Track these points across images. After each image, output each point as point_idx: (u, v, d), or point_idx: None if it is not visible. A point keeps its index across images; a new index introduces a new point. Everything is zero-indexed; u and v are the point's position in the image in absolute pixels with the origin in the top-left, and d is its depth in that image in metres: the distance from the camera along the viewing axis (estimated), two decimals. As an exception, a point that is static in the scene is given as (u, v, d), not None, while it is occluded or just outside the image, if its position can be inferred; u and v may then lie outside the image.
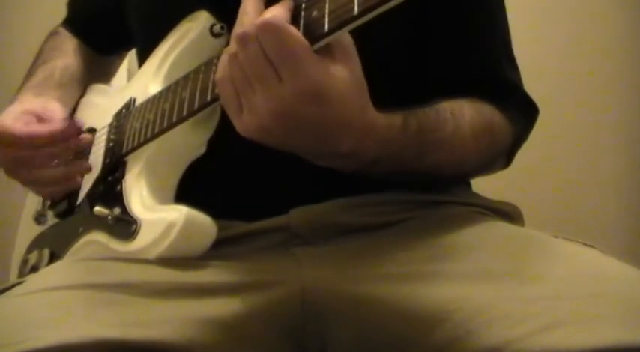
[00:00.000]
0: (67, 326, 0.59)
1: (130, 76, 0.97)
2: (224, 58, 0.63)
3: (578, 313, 0.56)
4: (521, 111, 0.82)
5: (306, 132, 0.61)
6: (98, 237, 0.77)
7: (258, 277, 0.68)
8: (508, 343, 0.56)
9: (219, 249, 0.71)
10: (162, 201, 0.75)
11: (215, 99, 0.70)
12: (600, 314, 0.55)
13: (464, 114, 0.73)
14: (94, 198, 0.82)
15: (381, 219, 0.73)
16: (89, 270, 0.70)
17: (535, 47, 1.65)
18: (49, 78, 0.97)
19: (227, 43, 0.75)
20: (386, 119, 0.66)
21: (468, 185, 0.86)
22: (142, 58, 0.88)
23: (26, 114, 0.86)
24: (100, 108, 0.93)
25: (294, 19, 0.60)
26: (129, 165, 0.80)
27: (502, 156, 0.83)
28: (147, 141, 0.77)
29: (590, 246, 0.67)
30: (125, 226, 0.73)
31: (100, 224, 0.77)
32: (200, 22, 0.79)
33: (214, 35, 0.78)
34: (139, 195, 0.75)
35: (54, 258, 0.86)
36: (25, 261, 0.91)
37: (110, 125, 0.86)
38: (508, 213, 0.80)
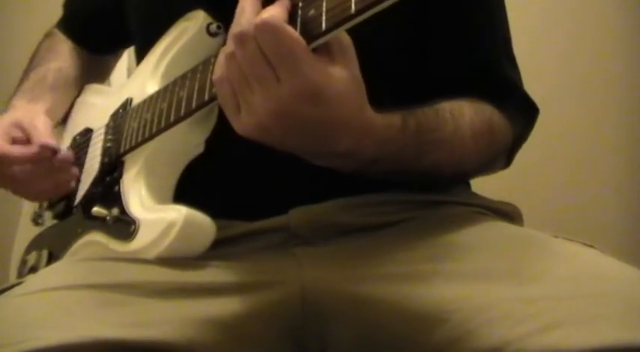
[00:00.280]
0: (67, 327, 0.59)
1: (130, 74, 0.97)
2: (221, 57, 0.63)
3: (578, 313, 0.55)
4: (522, 111, 0.82)
5: (304, 132, 0.61)
6: (97, 237, 0.77)
7: (258, 277, 0.68)
8: (508, 343, 0.56)
9: (219, 249, 0.71)
10: (161, 200, 0.75)
11: (213, 98, 0.70)
12: (600, 314, 0.55)
13: (463, 114, 0.73)
14: (92, 198, 0.82)
15: (381, 219, 0.73)
16: (89, 270, 0.70)
17: (535, 47, 1.65)
18: (41, 81, 0.97)
19: (224, 43, 0.75)
20: (384, 119, 0.66)
21: (468, 185, 0.85)
22: (140, 57, 0.88)
23: (13, 127, 0.87)
24: (97, 108, 0.93)
25: (292, 18, 0.60)
26: (127, 165, 0.79)
27: (502, 156, 0.82)
28: (145, 140, 0.77)
29: (590, 246, 0.67)
30: (124, 226, 0.73)
31: (99, 224, 0.77)
32: (197, 21, 0.79)
33: (211, 34, 0.78)
34: (137, 195, 0.75)
35: (52, 258, 0.86)
36: (23, 262, 0.91)
37: (107, 125, 0.86)
38: (508, 213, 0.80)
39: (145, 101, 0.80)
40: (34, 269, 0.87)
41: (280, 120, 0.60)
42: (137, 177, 0.77)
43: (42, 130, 0.87)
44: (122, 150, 0.81)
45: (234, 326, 0.64)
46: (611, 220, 1.71)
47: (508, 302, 0.59)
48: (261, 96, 0.59)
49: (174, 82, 0.76)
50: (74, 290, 0.65)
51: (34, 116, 0.89)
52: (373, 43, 0.74)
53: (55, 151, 0.85)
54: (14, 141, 0.86)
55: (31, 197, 0.90)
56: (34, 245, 0.92)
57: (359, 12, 0.55)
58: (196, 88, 0.72)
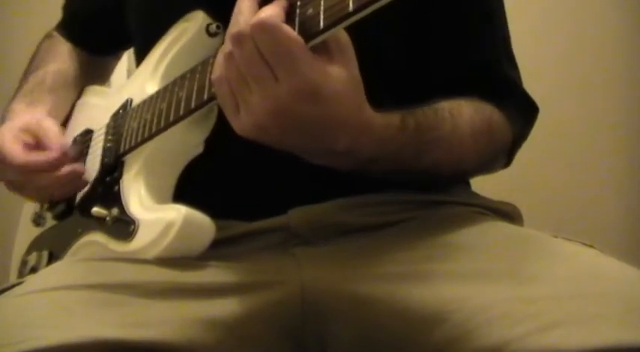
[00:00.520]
0: (67, 326, 0.59)
1: (129, 75, 0.97)
2: (220, 57, 0.63)
3: (578, 313, 0.56)
4: (521, 111, 0.82)
5: (302, 131, 0.61)
6: (97, 237, 0.77)
7: (257, 277, 0.68)
8: (507, 343, 0.56)
9: (219, 249, 0.71)
10: (161, 200, 0.75)
11: (212, 98, 0.70)
12: (600, 314, 0.55)
13: (462, 114, 0.73)
14: (92, 198, 0.82)
15: (381, 219, 0.73)
16: (88, 270, 0.70)
17: (535, 47, 1.65)
18: (40, 84, 0.97)
19: (223, 43, 0.75)
20: (383, 118, 0.66)
21: (468, 185, 0.85)
22: (139, 58, 0.88)
23: (23, 133, 0.86)
24: (97, 109, 0.93)
25: (289, 18, 0.60)
26: (127, 166, 0.79)
27: (502, 155, 0.82)
28: (144, 140, 0.77)
29: (590, 246, 0.67)
30: (123, 226, 0.73)
31: (99, 224, 0.77)
32: (196, 21, 0.79)
33: (210, 35, 0.78)
34: (137, 195, 0.75)
35: (53, 259, 0.86)
36: (24, 263, 0.91)
37: (107, 126, 0.86)
38: (508, 213, 0.80)
39: (144, 101, 0.80)
40: (34, 270, 0.87)
41: (278, 119, 0.60)
42: (137, 177, 0.77)
43: (54, 133, 0.87)
44: (122, 150, 0.81)
45: (233, 326, 0.64)
46: (611, 220, 1.71)
47: (508, 302, 0.59)
48: (259, 95, 0.59)
49: (174, 83, 0.76)
50: (74, 290, 0.65)
51: (40, 119, 0.89)
52: (372, 43, 0.74)
53: (75, 158, 0.86)
54: (25, 147, 0.86)
55: (40, 198, 0.90)
56: (35, 245, 0.92)
57: (357, 10, 0.55)
58: (195, 88, 0.72)
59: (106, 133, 0.85)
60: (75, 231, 0.82)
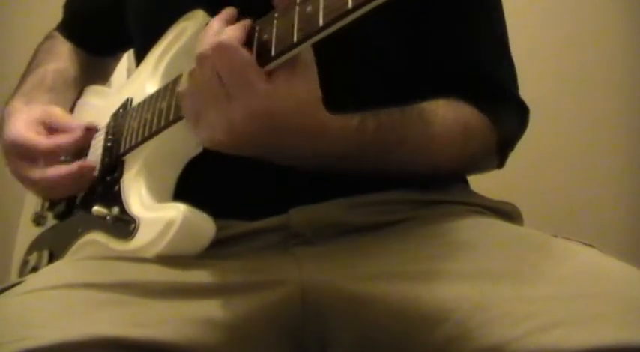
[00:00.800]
0: (67, 325, 0.59)
1: (130, 75, 0.97)
2: (185, 73, 0.66)
3: (578, 313, 0.56)
4: (511, 112, 0.82)
5: (257, 146, 0.65)
6: (97, 236, 0.77)
7: (257, 277, 0.68)
8: (508, 342, 0.56)
9: (219, 248, 0.71)
10: (161, 199, 0.74)
11: None
12: (600, 313, 0.55)
13: (436, 113, 0.74)
14: (92, 198, 0.82)
15: (381, 218, 0.73)
16: (89, 270, 0.70)
17: (535, 46, 1.65)
18: (40, 83, 0.97)
19: None
20: (339, 121, 0.67)
21: (467, 184, 0.85)
22: (139, 58, 0.88)
23: (35, 124, 0.86)
24: (98, 109, 0.93)
25: (249, 40, 0.62)
26: (127, 165, 0.79)
27: (488, 155, 0.82)
28: (144, 140, 0.77)
29: (590, 246, 0.67)
30: (124, 225, 0.73)
31: (99, 224, 0.77)
32: (196, 21, 0.79)
33: None
34: (137, 194, 0.75)
35: (53, 258, 0.86)
36: (25, 263, 0.91)
37: (108, 125, 0.86)
38: (507, 213, 0.80)
39: (144, 101, 0.80)
40: (35, 270, 0.87)
41: (233, 136, 0.63)
42: (137, 177, 0.77)
43: (67, 116, 0.89)
44: (122, 149, 0.81)
45: (233, 325, 0.64)
46: (611, 220, 1.71)
47: (508, 302, 0.59)
48: (215, 113, 0.62)
49: (174, 81, 0.76)
50: (74, 289, 0.65)
51: (47, 108, 0.89)
52: (370, 43, 0.74)
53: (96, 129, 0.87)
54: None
55: (51, 194, 0.89)
56: (35, 245, 0.92)
57: (355, 8, 0.55)
58: None
59: (107, 133, 0.85)
60: (75, 230, 0.82)
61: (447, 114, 0.75)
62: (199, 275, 0.68)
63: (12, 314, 0.61)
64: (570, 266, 0.62)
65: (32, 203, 0.98)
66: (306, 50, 0.61)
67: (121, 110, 0.86)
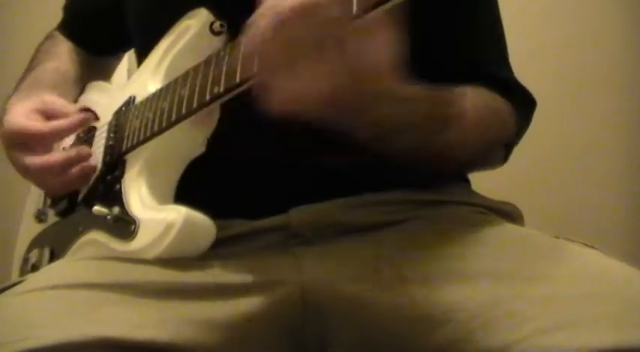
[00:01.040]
0: (68, 325, 0.59)
1: (130, 75, 0.97)
2: (273, 20, 0.59)
3: (581, 314, 0.56)
4: (521, 105, 0.82)
5: (347, 104, 0.60)
6: (98, 236, 0.77)
7: (258, 277, 0.68)
8: (510, 344, 0.56)
9: (219, 248, 0.71)
10: (162, 200, 0.74)
11: (213, 98, 0.70)
12: (602, 315, 0.55)
13: (471, 97, 0.73)
14: (93, 197, 0.82)
15: (382, 218, 0.73)
16: (89, 270, 0.70)
17: (535, 47, 1.65)
18: (38, 81, 0.97)
19: (227, 41, 0.75)
20: (413, 88, 0.65)
21: (468, 184, 0.85)
22: (140, 57, 0.88)
23: (32, 113, 0.86)
24: (100, 106, 0.92)
25: None
26: (128, 164, 0.79)
27: (501, 147, 0.82)
28: (146, 139, 0.77)
29: (592, 247, 0.67)
30: (124, 226, 0.73)
31: (100, 223, 0.77)
32: (200, 19, 0.78)
33: (214, 33, 0.78)
34: (138, 194, 0.75)
35: (54, 256, 0.86)
36: (25, 260, 0.92)
37: (110, 123, 0.86)
38: (508, 213, 0.80)
39: (147, 99, 0.80)
40: (35, 268, 0.87)
41: (326, 93, 0.58)
42: (138, 176, 0.77)
43: (63, 102, 0.88)
44: (124, 148, 0.81)
45: (233, 326, 0.64)
46: (612, 221, 1.71)
47: (510, 303, 0.59)
48: (310, 69, 0.58)
49: (176, 81, 0.76)
50: (75, 289, 0.65)
51: (42, 96, 0.89)
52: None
53: (95, 115, 0.87)
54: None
55: (51, 187, 0.89)
56: (36, 243, 0.92)
57: None
58: (198, 86, 0.72)
59: (108, 131, 0.85)
60: (76, 229, 0.82)
61: (480, 100, 0.74)
62: (199, 276, 0.68)
63: (12, 314, 0.61)
64: (572, 268, 0.62)
65: (34, 200, 0.98)
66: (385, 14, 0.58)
67: (123, 108, 0.86)
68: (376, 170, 0.75)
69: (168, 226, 0.68)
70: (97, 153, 0.85)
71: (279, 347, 0.66)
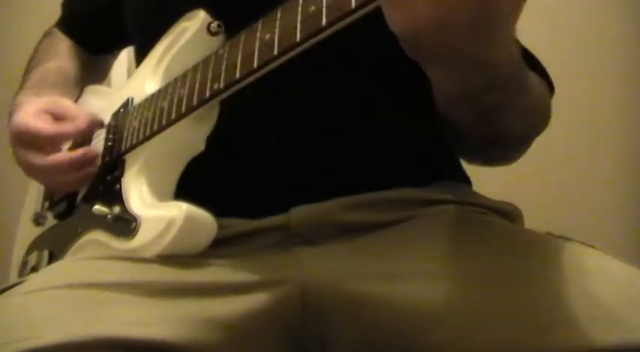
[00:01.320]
0: (68, 325, 0.58)
1: (130, 75, 0.97)
2: None
3: (579, 313, 0.56)
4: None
5: (481, 28, 0.55)
6: (98, 236, 0.77)
7: (258, 277, 0.68)
8: (508, 342, 0.56)
9: (219, 248, 0.71)
10: (162, 198, 0.74)
11: (213, 96, 0.70)
12: (601, 314, 0.55)
13: (532, 76, 0.73)
14: (93, 197, 0.82)
15: (382, 217, 0.73)
16: (89, 269, 0.70)
17: (536, 47, 1.65)
18: (44, 79, 0.98)
19: (224, 42, 0.75)
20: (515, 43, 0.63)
21: (469, 184, 0.86)
22: (140, 58, 0.88)
23: (42, 113, 0.87)
24: (98, 108, 0.93)
25: None
26: (128, 164, 0.79)
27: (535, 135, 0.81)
28: (146, 139, 0.77)
29: (591, 247, 0.67)
30: (125, 224, 0.73)
31: (100, 223, 0.77)
32: (197, 20, 0.79)
33: (212, 33, 0.78)
34: (138, 193, 0.75)
35: (53, 258, 0.86)
36: (24, 263, 0.91)
37: (108, 125, 0.87)
38: (508, 213, 0.80)
39: (146, 100, 0.81)
40: (35, 270, 0.87)
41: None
42: (138, 176, 0.77)
43: (75, 107, 0.89)
44: (123, 148, 0.81)
45: (234, 325, 0.64)
46: (612, 220, 1.71)
47: (508, 302, 0.59)
48: None
49: (175, 81, 0.76)
50: (75, 289, 0.64)
51: (57, 98, 0.90)
52: (373, 44, 0.74)
53: (102, 124, 0.87)
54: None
55: (55, 185, 0.90)
56: (35, 245, 0.92)
57: None
58: (197, 85, 0.72)
59: (107, 132, 0.85)
60: (75, 229, 0.82)
61: (534, 81, 0.74)
62: (200, 275, 0.68)
63: (13, 315, 0.61)
64: (572, 267, 0.62)
65: (32, 203, 0.98)
66: None
67: (121, 109, 0.86)
68: (376, 170, 0.75)
69: (170, 223, 0.68)
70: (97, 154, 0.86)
71: (279, 347, 0.66)
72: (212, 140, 0.76)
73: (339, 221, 0.72)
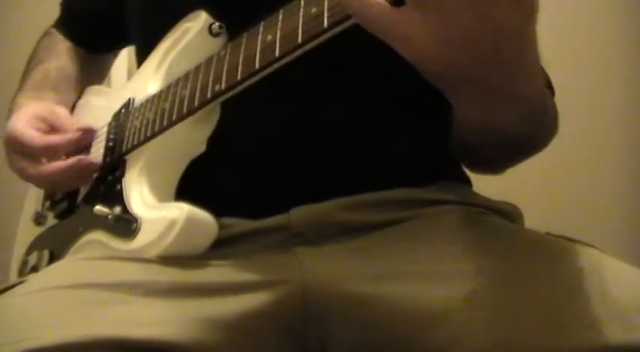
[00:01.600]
0: (68, 325, 0.59)
1: (130, 75, 0.97)
2: None
3: (579, 313, 0.56)
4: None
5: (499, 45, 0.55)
6: (98, 236, 0.77)
7: (258, 277, 0.68)
8: (509, 343, 0.56)
9: (220, 248, 0.71)
10: (163, 199, 0.74)
11: (214, 97, 0.70)
12: (601, 314, 0.55)
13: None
14: (94, 197, 0.82)
15: (383, 218, 0.73)
16: (90, 270, 0.70)
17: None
18: (44, 80, 0.98)
19: (226, 42, 0.76)
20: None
21: (469, 184, 0.86)
22: (141, 58, 0.88)
23: (36, 120, 0.87)
24: (99, 109, 0.93)
25: None
26: (129, 164, 0.79)
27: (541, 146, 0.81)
28: (147, 139, 0.77)
29: (592, 246, 0.67)
30: (126, 225, 0.73)
31: (100, 223, 0.77)
32: (199, 21, 0.79)
33: (213, 34, 0.78)
34: (139, 193, 0.75)
35: (53, 258, 0.86)
36: (24, 263, 0.91)
37: (109, 125, 0.87)
38: (508, 213, 0.80)
39: (147, 100, 0.81)
40: (35, 270, 0.87)
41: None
42: (139, 176, 0.77)
43: (68, 118, 0.89)
44: (124, 149, 0.81)
45: (234, 325, 0.64)
46: (612, 220, 1.71)
47: (509, 302, 0.59)
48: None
49: (177, 82, 0.76)
50: (75, 289, 0.65)
51: (52, 106, 0.91)
52: (374, 45, 0.74)
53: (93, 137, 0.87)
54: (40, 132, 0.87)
55: (50, 187, 0.91)
56: (35, 245, 0.92)
57: None
58: (199, 86, 0.72)
59: (108, 132, 0.85)
60: (76, 229, 0.82)
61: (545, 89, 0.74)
62: (200, 275, 0.68)
63: (13, 315, 0.61)
64: (571, 267, 0.62)
65: (32, 202, 0.98)
66: None
67: (122, 110, 0.86)
68: (376, 170, 0.75)
69: (171, 224, 0.68)
70: (97, 154, 0.86)
71: (279, 347, 0.66)
72: (213, 141, 0.76)
73: (340, 221, 0.72)
